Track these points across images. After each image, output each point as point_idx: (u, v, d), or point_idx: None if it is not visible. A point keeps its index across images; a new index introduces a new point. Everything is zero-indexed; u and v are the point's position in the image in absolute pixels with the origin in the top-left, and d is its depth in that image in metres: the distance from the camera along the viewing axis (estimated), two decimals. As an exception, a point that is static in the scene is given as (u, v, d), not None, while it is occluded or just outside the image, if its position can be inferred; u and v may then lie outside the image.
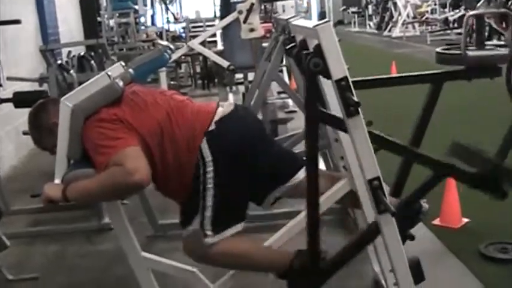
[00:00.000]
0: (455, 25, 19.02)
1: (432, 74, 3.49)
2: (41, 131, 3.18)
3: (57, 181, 2.95)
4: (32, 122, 3.24)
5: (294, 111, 8.43)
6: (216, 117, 3.01)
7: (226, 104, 3.17)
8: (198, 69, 12.16)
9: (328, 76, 2.63)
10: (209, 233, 2.96)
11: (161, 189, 3.17)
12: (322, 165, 5.23)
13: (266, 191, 3.21)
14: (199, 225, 2.98)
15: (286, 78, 8.38)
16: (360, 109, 2.58)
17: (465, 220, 4.59)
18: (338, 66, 2.56)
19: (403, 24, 21.00)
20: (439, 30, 19.67)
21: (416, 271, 2.88)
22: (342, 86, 2.57)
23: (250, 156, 3.05)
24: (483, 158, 3.00)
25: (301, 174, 3.13)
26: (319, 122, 2.84)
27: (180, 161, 2.98)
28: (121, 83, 3.01)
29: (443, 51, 3.96)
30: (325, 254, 2.98)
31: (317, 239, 2.89)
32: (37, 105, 3.27)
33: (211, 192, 2.94)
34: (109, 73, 3.05)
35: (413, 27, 21.25)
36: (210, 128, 2.97)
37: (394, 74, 3.15)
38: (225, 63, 7.06)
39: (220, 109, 3.07)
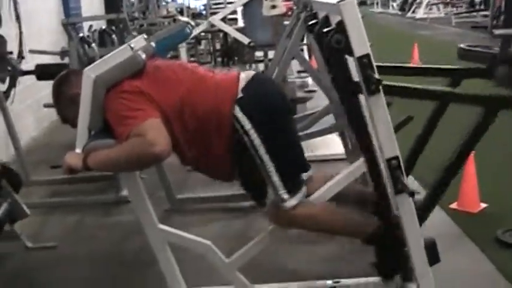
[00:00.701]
0: (482, 7, 18.86)
1: (452, 69, 3.45)
2: (64, 102, 3.20)
3: (78, 151, 2.98)
4: (55, 93, 3.26)
5: (314, 91, 8.41)
6: (241, 85, 3.01)
7: (246, 72, 3.18)
8: (217, 47, 12.14)
9: (350, 53, 2.63)
10: (286, 196, 2.96)
11: (193, 164, 3.19)
12: (340, 146, 5.24)
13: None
14: (273, 194, 2.99)
15: (306, 57, 8.34)
16: (381, 87, 2.58)
17: (483, 205, 4.57)
18: (361, 43, 2.56)
19: (427, 5, 20.83)
20: (465, 12, 19.50)
21: (432, 252, 2.87)
22: (363, 63, 2.56)
23: (283, 113, 3.08)
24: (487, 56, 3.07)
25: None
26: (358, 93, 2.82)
27: (208, 134, 2.99)
28: (143, 55, 3.02)
29: (466, 47, 3.93)
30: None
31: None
32: (60, 77, 3.29)
33: (267, 158, 2.93)
34: (131, 45, 3.06)
35: (438, 9, 21.08)
36: (239, 96, 2.97)
37: (415, 64, 3.04)
38: (245, 40, 7.05)
39: (242, 75, 3.08)
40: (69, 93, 3.15)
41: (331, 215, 3.09)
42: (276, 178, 2.95)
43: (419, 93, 2.87)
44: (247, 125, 2.92)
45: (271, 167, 2.94)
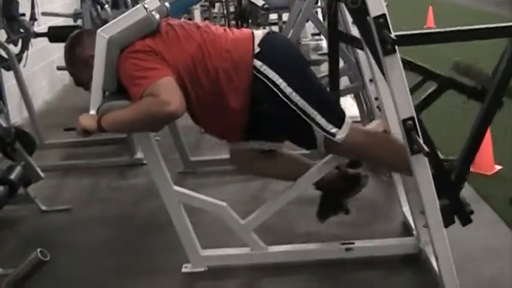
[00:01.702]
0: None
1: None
2: (77, 64, 3.19)
3: (92, 112, 2.98)
4: (67, 55, 3.25)
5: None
6: (257, 40, 3.01)
7: (259, 30, 3.20)
8: (231, 9, 12.07)
9: (366, 13, 2.60)
10: (334, 130, 2.98)
11: (204, 122, 3.21)
12: (355, 108, 5.22)
13: None
14: (323, 133, 2.99)
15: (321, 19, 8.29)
16: (396, 47, 2.56)
17: (498, 167, 4.56)
18: (377, 3, 2.53)
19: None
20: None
21: (447, 214, 2.87)
22: (379, 23, 2.54)
23: (302, 62, 3.16)
24: (481, 74, 3.05)
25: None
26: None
27: (222, 91, 2.98)
28: (157, 16, 3.00)
29: None
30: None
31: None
32: (71, 38, 3.28)
33: (303, 102, 2.95)
34: (145, 6, 3.03)
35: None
36: (256, 51, 2.97)
37: (460, 27, 2.74)
38: (260, 2, 7.00)
39: (257, 32, 3.09)
40: (82, 54, 3.15)
41: (380, 140, 3.16)
42: (319, 117, 2.96)
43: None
44: (274, 76, 2.93)
45: (310, 109, 2.95)
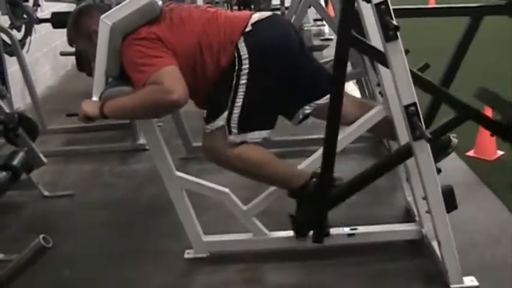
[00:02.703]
0: None
1: (472, 7, 3.36)
2: (78, 33, 3.22)
3: (94, 98, 2.98)
4: (73, 20, 3.26)
5: (330, 39, 8.37)
6: (252, 20, 3.02)
7: (261, 12, 3.18)
8: (234, -5, 12.03)
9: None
10: (234, 130, 2.99)
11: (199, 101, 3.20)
12: (357, 93, 5.22)
13: (298, 103, 3.23)
14: (225, 121, 2.99)
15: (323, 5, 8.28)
16: (398, 34, 2.56)
17: (500, 153, 4.56)
18: (379, -11, 2.53)
19: None
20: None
21: (449, 199, 2.88)
22: (381, 9, 2.55)
23: (286, 59, 3.07)
24: (509, 107, 2.97)
25: (326, 99, 3.11)
26: (349, 47, 2.83)
27: (219, 67, 2.99)
28: (160, 2, 3.00)
29: None
30: (339, 181, 3.06)
31: (331, 165, 2.95)
32: (83, 7, 3.30)
33: (243, 88, 2.95)
34: (149, -8, 3.03)
35: None
36: (247, 29, 2.98)
37: (432, 5, 2.99)
38: (262, -12, 6.97)
39: (255, 15, 3.08)
40: (87, 26, 3.16)
41: (264, 160, 3.13)
42: (236, 111, 2.97)
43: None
44: (245, 55, 2.94)
45: (240, 98, 2.96)
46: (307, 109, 3.23)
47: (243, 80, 2.94)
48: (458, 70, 3.38)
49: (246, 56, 2.94)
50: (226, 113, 2.99)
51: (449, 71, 3.36)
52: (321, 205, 3.08)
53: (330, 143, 2.90)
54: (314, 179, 3.09)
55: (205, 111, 3.12)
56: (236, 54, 2.95)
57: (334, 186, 3.05)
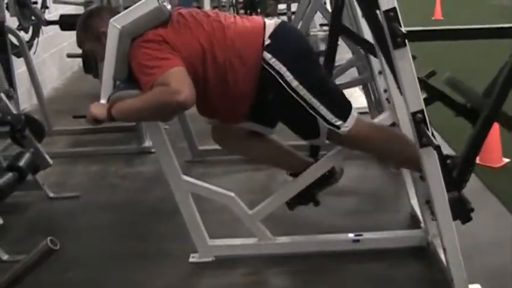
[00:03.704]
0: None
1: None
2: (88, 34, 3.20)
3: (102, 101, 2.99)
4: (83, 21, 3.26)
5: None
6: (268, 32, 3.01)
7: (271, 19, 3.19)
8: (240, -1, 12.05)
9: (376, 6, 2.60)
10: (338, 122, 3.00)
11: (210, 111, 3.21)
12: (363, 99, 5.22)
13: None
14: (327, 125, 3.00)
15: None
16: (406, 41, 2.56)
17: (506, 160, 4.56)
18: (387, -3, 2.53)
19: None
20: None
21: (455, 207, 2.87)
22: (390, 16, 2.54)
23: (311, 58, 3.14)
24: (472, 93, 3.02)
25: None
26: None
27: (228, 80, 2.99)
28: (169, 6, 3.00)
29: None
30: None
31: None
32: (92, 9, 3.31)
33: (309, 96, 2.96)
34: (158, -4, 3.03)
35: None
36: (267, 43, 2.98)
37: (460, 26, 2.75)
38: (269, -8, 6.98)
39: (269, 22, 3.08)
40: (97, 27, 3.15)
41: (385, 134, 3.16)
42: (324, 110, 2.98)
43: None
44: (282, 68, 2.94)
45: (315, 101, 2.97)
46: None
47: (295, 83, 2.94)
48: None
49: (280, 65, 2.94)
50: (320, 120, 3.00)
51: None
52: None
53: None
54: None
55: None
56: (274, 72, 2.95)
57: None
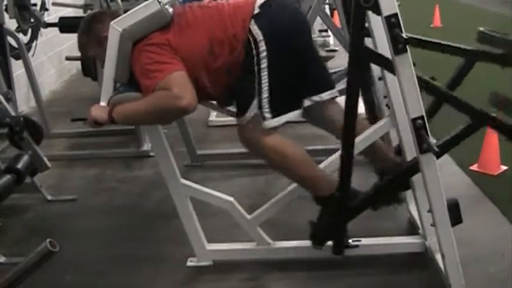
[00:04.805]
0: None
1: (467, 50, 3.32)
2: (90, 39, 3.21)
3: (103, 104, 2.98)
4: (84, 27, 3.26)
5: (335, 50, 8.37)
6: (259, 2, 3.03)
7: None
8: None
9: (378, 12, 2.60)
10: (268, 115, 2.98)
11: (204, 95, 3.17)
12: (361, 105, 5.21)
13: (302, 92, 3.17)
14: (257, 108, 2.99)
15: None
16: (408, 47, 2.56)
17: (504, 167, 4.55)
18: (389, 2, 2.55)
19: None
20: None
21: (454, 213, 2.87)
22: (391, 22, 2.55)
23: (298, 39, 3.09)
24: None
25: (329, 95, 3.17)
26: (365, 61, 2.85)
27: (236, 58, 3.00)
28: (170, 9, 3.00)
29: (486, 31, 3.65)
30: (356, 194, 3.06)
31: (348, 179, 2.95)
32: (94, 13, 3.32)
33: (265, 72, 2.96)
34: (159, -1, 3.03)
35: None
36: (255, 12, 2.99)
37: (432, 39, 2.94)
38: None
39: None
40: (99, 32, 3.16)
41: (300, 159, 3.12)
42: (265, 95, 2.97)
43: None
44: (260, 37, 2.95)
45: (265, 82, 2.96)
46: (306, 103, 3.17)
47: (264, 64, 2.95)
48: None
49: (261, 37, 2.95)
50: (256, 101, 2.99)
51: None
52: (341, 216, 3.09)
53: (346, 153, 2.92)
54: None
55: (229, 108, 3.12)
56: (251, 39, 2.96)
57: (353, 198, 3.05)
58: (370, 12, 2.75)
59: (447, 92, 3.05)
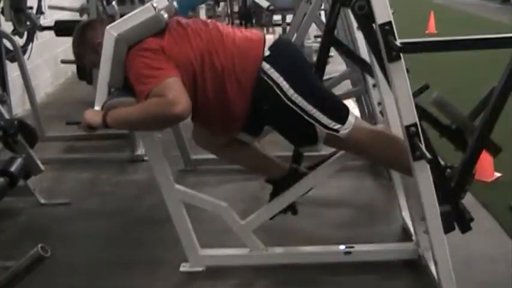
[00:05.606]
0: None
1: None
2: (85, 48, 3.21)
3: (97, 108, 2.98)
4: (77, 37, 3.26)
5: (330, 56, 8.36)
6: (268, 44, 3.05)
7: (270, 36, 3.20)
8: (236, 9, 12.05)
9: (372, 19, 2.61)
10: (337, 126, 3.00)
11: (205, 121, 3.20)
12: (357, 112, 5.22)
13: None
14: (325, 130, 3.00)
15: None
16: (401, 54, 2.57)
17: (497, 174, 4.56)
18: (383, 10, 2.55)
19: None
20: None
21: (447, 220, 2.87)
22: (385, 30, 2.55)
23: (306, 66, 3.21)
24: (458, 115, 3.01)
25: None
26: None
27: (226, 89, 2.99)
28: (165, 15, 3.00)
29: None
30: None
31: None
32: (85, 22, 3.33)
33: (304, 102, 2.98)
34: (154, 4, 3.03)
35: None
36: (266, 54, 3.00)
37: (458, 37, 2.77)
38: (264, 4, 7.00)
39: (268, 36, 3.13)
40: (92, 40, 3.16)
41: (384, 138, 3.15)
42: (320, 115, 2.99)
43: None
44: (279, 78, 2.97)
45: (311, 108, 2.98)
46: None
47: (291, 91, 2.96)
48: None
49: (278, 75, 2.97)
50: (318, 126, 3.00)
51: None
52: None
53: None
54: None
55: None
56: (271, 82, 2.97)
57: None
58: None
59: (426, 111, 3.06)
